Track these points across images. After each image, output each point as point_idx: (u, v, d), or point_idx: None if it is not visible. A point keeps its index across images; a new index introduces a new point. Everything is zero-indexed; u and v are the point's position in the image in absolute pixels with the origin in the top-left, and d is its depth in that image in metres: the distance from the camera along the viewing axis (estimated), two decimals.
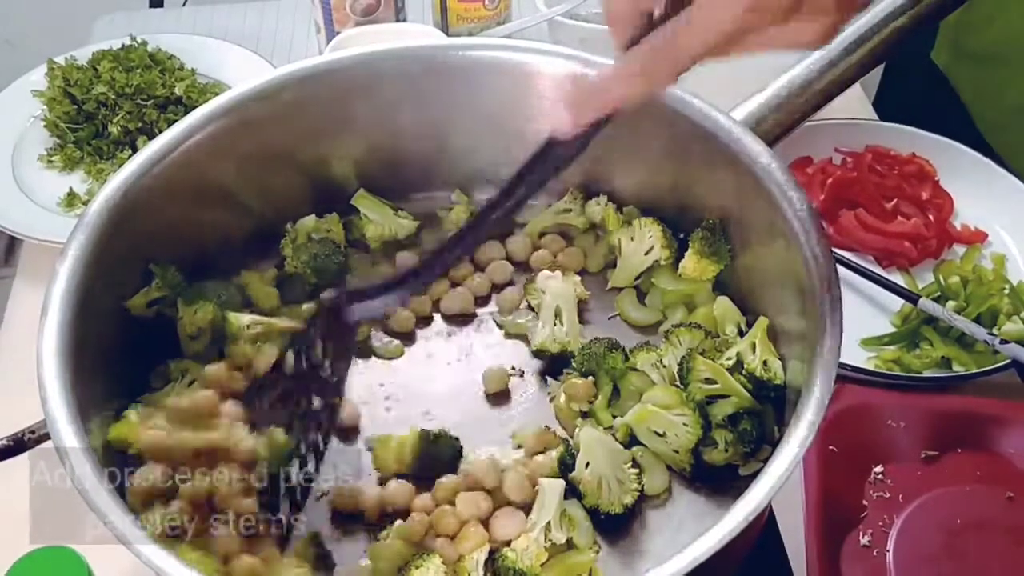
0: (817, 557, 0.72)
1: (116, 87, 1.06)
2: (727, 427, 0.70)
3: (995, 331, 0.87)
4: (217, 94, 0.81)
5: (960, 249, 0.99)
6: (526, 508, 0.69)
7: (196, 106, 0.82)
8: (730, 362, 0.72)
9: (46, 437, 0.62)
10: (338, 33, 1.11)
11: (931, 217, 1.00)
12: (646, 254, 0.81)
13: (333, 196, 0.86)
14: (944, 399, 0.84)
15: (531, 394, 0.78)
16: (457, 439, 0.72)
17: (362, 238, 0.86)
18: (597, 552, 0.68)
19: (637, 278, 0.82)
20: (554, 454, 0.71)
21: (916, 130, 1.05)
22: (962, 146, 1.03)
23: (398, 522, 0.69)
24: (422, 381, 0.79)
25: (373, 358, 0.80)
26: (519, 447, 0.73)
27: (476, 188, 0.89)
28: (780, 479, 0.58)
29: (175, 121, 0.78)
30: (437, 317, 0.83)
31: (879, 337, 0.91)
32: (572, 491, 0.70)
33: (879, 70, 1.32)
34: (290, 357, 0.70)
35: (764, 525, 0.72)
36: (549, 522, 0.67)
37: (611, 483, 0.69)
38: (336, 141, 0.85)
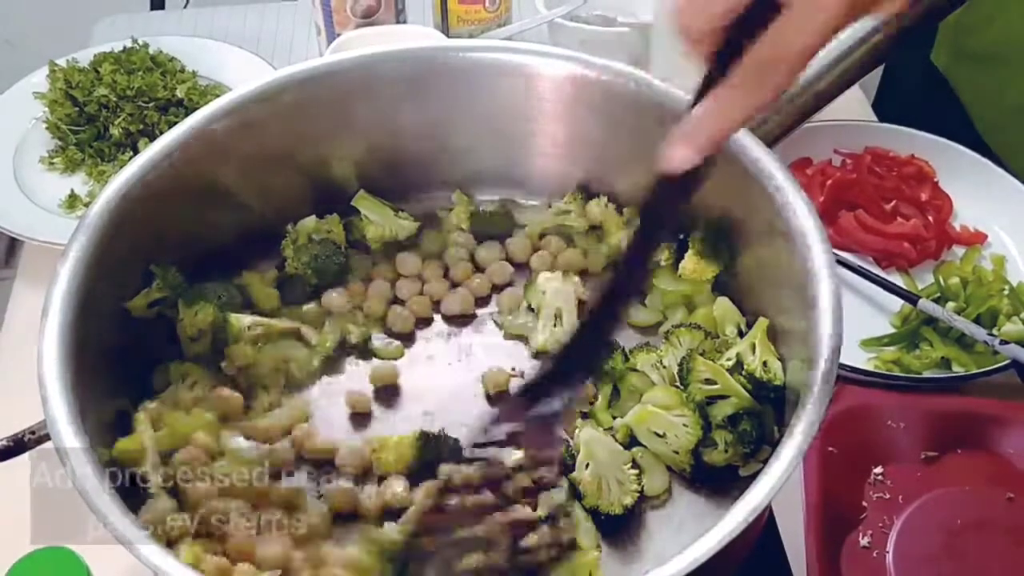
0: (817, 558, 0.72)
1: (117, 89, 1.07)
2: (727, 428, 0.70)
3: (995, 332, 0.87)
4: (218, 96, 0.81)
5: (960, 250, 0.99)
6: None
7: (197, 108, 0.82)
8: (730, 363, 0.72)
9: (46, 438, 0.62)
10: (339, 35, 1.11)
11: (930, 218, 1.00)
12: None
13: (334, 197, 0.86)
14: (944, 400, 0.83)
15: None
16: (457, 439, 0.72)
17: (363, 239, 0.86)
18: (600, 552, 0.68)
19: None
20: None
21: (915, 131, 1.04)
22: (961, 147, 1.03)
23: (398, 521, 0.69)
24: (422, 381, 0.79)
25: (373, 358, 0.80)
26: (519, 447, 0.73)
27: (476, 188, 0.89)
28: (780, 480, 0.58)
29: (176, 123, 0.78)
30: (437, 318, 0.83)
31: (879, 338, 0.90)
32: (572, 491, 0.70)
33: (878, 71, 1.32)
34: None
35: (764, 526, 0.72)
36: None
37: (611, 484, 0.69)
38: (337, 142, 0.85)
